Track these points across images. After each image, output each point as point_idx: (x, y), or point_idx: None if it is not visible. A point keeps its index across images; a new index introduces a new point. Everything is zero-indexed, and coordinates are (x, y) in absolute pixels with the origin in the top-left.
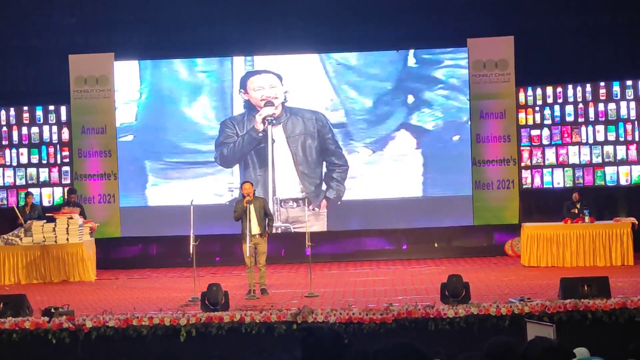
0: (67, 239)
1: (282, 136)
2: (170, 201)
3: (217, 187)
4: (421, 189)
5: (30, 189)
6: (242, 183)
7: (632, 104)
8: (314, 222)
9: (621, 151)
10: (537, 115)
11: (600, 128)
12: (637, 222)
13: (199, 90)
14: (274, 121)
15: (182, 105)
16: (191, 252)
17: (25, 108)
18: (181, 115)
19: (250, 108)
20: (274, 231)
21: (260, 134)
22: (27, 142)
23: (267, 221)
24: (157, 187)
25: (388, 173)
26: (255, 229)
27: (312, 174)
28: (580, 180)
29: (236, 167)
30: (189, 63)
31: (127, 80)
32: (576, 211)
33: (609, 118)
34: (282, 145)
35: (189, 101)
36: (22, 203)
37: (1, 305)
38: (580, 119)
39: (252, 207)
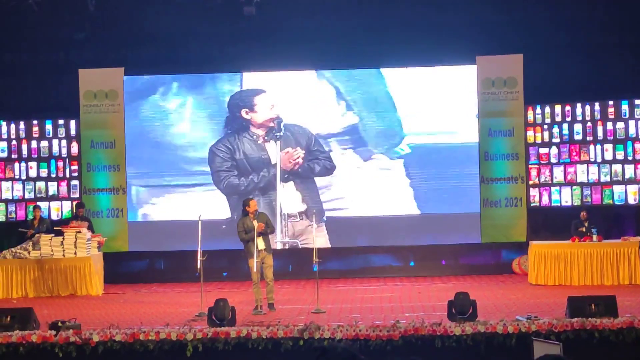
0: (75, 253)
1: (279, 152)
2: (178, 216)
3: (225, 203)
4: (428, 206)
5: (38, 203)
6: (248, 200)
7: None
8: (316, 237)
9: (629, 170)
10: (546, 134)
11: (608, 147)
12: None
13: (205, 107)
14: (279, 136)
15: (191, 122)
16: (198, 267)
17: (35, 122)
18: (190, 131)
19: (243, 127)
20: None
21: (265, 155)
22: (36, 155)
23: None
24: (164, 202)
25: (395, 190)
26: (261, 244)
27: (308, 187)
28: (589, 199)
29: None
30: (197, 79)
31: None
32: (584, 230)
33: (618, 137)
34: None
35: (196, 117)
36: (30, 216)
37: (8, 319)
38: (589, 138)
39: (256, 223)
